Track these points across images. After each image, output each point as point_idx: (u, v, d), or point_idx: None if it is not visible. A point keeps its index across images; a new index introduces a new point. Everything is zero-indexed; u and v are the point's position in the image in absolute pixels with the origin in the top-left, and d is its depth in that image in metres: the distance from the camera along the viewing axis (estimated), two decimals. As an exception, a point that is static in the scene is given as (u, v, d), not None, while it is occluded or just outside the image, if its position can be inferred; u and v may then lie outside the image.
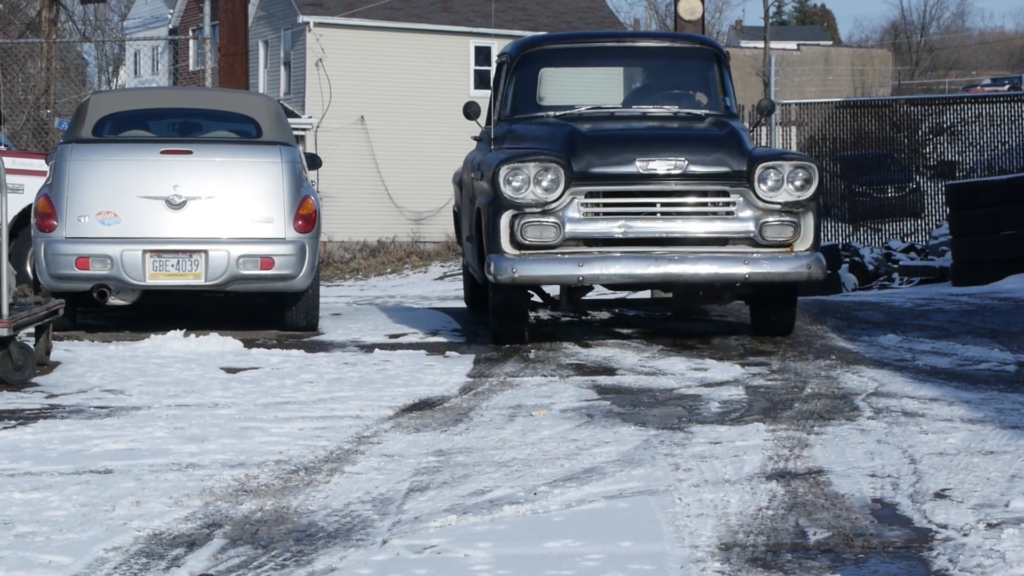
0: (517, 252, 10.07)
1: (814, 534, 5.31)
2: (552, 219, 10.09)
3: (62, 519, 5.53)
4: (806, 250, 10.22)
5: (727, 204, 10.10)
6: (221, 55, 16.87)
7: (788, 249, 10.15)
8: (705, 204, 10.15)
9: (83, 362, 10.37)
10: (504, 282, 9.95)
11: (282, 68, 48.92)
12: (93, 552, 5.05)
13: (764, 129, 22.92)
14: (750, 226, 10.10)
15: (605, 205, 10.26)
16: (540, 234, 10.11)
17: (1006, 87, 51.04)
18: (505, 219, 10.17)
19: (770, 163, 9.99)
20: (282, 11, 48.07)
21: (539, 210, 10.10)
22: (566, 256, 10.09)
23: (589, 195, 10.19)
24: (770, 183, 10.03)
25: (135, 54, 55.47)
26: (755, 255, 10.10)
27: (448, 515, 5.66)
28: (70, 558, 4.96)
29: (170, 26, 55.68)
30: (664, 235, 10.17)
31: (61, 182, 11.93)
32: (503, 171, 10.13)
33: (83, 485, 6.15)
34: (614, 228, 10.18)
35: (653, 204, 10.22)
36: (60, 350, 10.91)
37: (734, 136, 10.38)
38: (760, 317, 10.97)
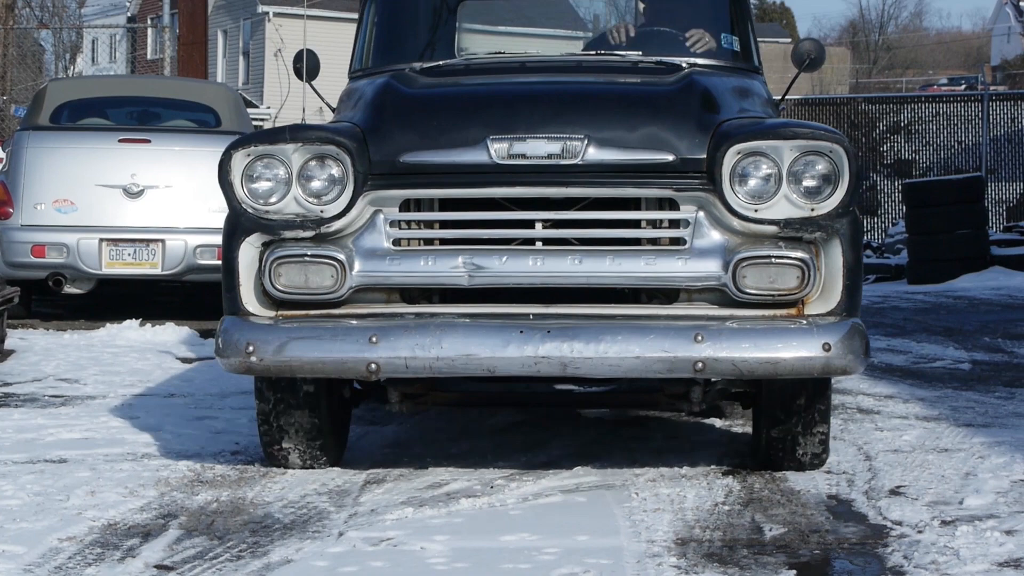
0: (270, 313, 5.92)
1: (770, 530, 5.31)
2: (331, 251, 5.84)
3: (16, 508, 5.48)
4: (828, 313, 5.76)
5: (672, 225, 5.86)
6: (180, 44, 16.79)
7: (792, 310, 5.82)
8: (628, 225, 5.90)
9: (38, 351, 10.28)
10: (236, 370, 5.82)
11: (241, 58, 48.61)
12: (47, 542, 4.99)
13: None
14: (714, 266, 5.79)
15: (434, 225, 5.97)
16: (306, 279, 5.84)
17: (962, 87, 51.27)
18: (245, 251, 5.91)
19: (753, 143, 5.72)
20: (242, 0, 47.79)
21: (308, 234, 5.88)
22: (354, 324, 5.81)
23: (405, 206, 5.91)
24: (754, 183, 5.78)
25: (93, 42, 55.01)
26: (721, 323, 5.74)
27: (405, 508, 5.64)
28: (24, 548, 4.91)
29: (128, 14, 55.20)
30: (549, 283, 5.84)
31: (17, 169, 11.86)
32: (237, 161, 5.90)
33: (37, 474, 6.11)
34: (451, 270, 5.82)
35: (529, 224, 5.87)
36: (15, 338, 10.82)
37: (692, 93, 6.11)
38: (768, 438, 6.35)
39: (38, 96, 12.68)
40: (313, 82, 7.60)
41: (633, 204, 5.94)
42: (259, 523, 5.40)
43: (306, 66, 7.60)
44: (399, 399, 6.38)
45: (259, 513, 5.56)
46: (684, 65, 6.71)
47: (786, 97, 8.06)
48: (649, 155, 5.86)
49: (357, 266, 5.90)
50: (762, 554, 4.99)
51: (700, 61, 6.86)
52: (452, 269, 5.86)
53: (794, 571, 4.78)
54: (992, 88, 35.65)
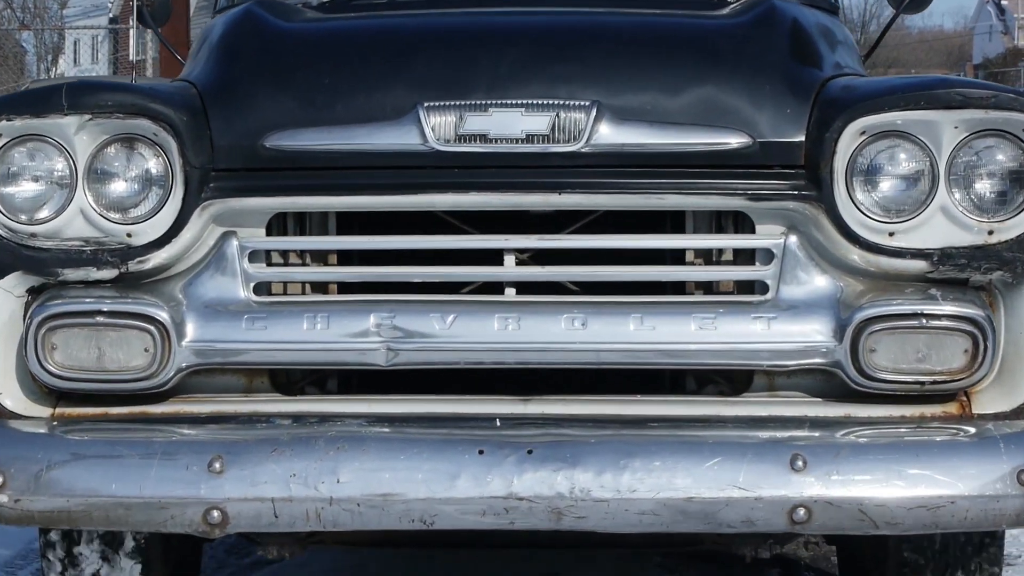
0: (42, 411, 3.51)
1: None
2: (146, 306, 3.40)
3: None
4: (1014, 412, 3.42)
5: (743, 259, 3.56)
6: (162, 45, 15.23)
7: (951, 407, 3.45)
8: (664, 258, 3.66)
9: None
10: None
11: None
12: None
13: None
14: (819, 330, 3.39)
15: (328, 260, 3.64)
16: (102, 354, 3.41)
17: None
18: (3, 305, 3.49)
19: (889, 116, 3.34)
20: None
21: (106, 275, 3.45)
22: (185, 434, 3.37)
23: (276, 226, 3.54)
24: (889, 185, 3.38)
25: (75, 43, 53.50)
26: (833, 431, 3.34)
27: None
28: None
29: (110, 15, 54.06)
30: (530, 360, 3.41)
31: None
32: None
33: None
34: (357, 339, 3.39)
35: (493, 257, 3.50)
36: None
37: (775, 32, 3.68)
38: None
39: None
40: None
41: (674, 222, 3.63)
42: None
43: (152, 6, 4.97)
44: (276, 544, 3.71)
45: None
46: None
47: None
48: (704, 137, 3.43)
49: (192, 331, 3.44)
50: None
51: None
52: (359, 337, 3.41)
53: None
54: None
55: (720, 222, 3.58)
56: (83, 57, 54.80)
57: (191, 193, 3.39)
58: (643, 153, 3.39)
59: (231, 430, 3.36)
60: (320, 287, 3.59)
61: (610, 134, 3.37)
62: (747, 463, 3.21)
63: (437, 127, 3.36)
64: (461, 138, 3.36)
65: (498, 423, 3.33)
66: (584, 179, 3.38)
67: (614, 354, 3.38)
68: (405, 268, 3.48)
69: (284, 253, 3.58)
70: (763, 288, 3.43)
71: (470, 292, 3.51)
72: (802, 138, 3.38)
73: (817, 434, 3.31)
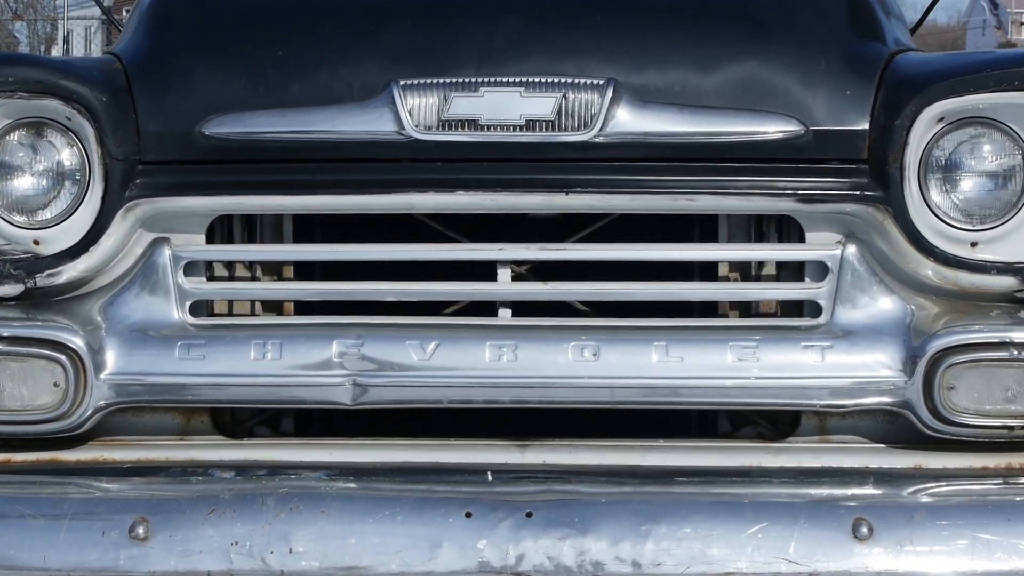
0: None
1: None
2: (55, 330, 2.76)
3: None
4: None
5: (790, 274, 2.93)
6: None
7: None
8: (691, 272, 3.12)
9: None
10: None
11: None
12: None
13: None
14: (885, 363, 2.75)
15: (281, 273, 3.07)
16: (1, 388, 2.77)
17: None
18: None
19: (973, 98, 2.72)
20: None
21: (10, 290, 2.82)
22: (104, 489, 2.74)
23: (220, 230, 2.95)
24: (971, 184, 2.76)
25: (68, 33, 53.50)
26: (900, 487, 2.71)
27: None
28: None
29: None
30: (528, 398, 2.78)
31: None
32: None
33: None
34: (316, 372, 2.76)
35: (485, 271, 2.88)
36: None
37: (824, 2, 2.94)
38: None
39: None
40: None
41: (704, 229, 3.07)
42: None
43: None
44: None
45: None
46: None
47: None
48: (745, 124, 2.78)
49: (113, 361, 2.81)
50: None
51: None
52: (319, 369, 2.78)
53: None
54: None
55: (761, 228, 2.95)
56: (76, 48, 54.99)
57: (112, 191, 2.76)
58: (670, 144, 2.76)
59: (160, 484, 2.74)
60: (273, 306, 2.99)
61: (629, 120, 2.74)
62: (799, 529, 2.59)
63: (416, 111, 2.74)
64: (445, 124, 2.75)
65: (490, 477, 2.71)
66: (597, 175, 2.75)
67: (633, 392, 2.75)
68: (376, 284, 2.85)
69: (229, 265, 2.99)
70: (815, 310, 2.81)
71: (456, 313, 2.91)
72: (865, 126, 2.75)
73: (882, 491, 2.71)
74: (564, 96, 2.73)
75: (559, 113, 2.73)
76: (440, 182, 2.75)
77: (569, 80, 2.74)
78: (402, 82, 2.75)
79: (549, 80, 2.74)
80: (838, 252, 2.79)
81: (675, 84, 2.76)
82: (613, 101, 2.73)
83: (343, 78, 2.78)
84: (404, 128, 2.74)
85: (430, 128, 2.74)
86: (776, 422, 2.93)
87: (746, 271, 2.97)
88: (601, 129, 2.73)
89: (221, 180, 2.78)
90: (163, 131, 2.78)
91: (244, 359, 2.76)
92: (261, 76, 2.80)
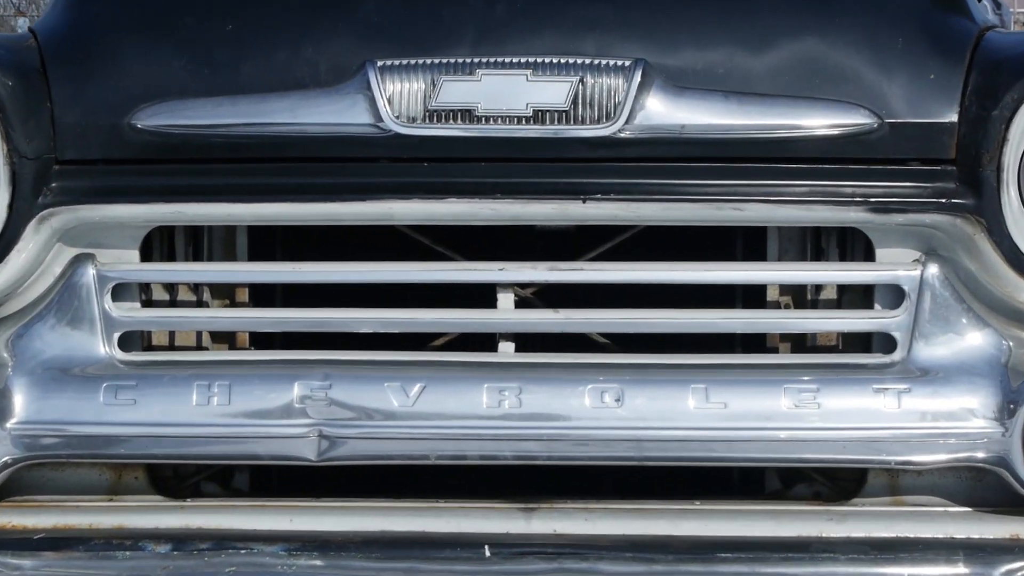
0: None
1: None
2: None
3: None
4: None
5: (856, 299, 2.43)
6: None
7: None
8: (733, 297, 2.60)
9: None
10: None
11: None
12: None
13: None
14: (976, 410, 2.27)
15: (234, 298, 2.52)
16: None
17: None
18: None
19: None
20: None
21: None
22: (9, 571, 2.27)
23: (161, 246, 2.47)
24: None
25: None
26: (994, 563, 2.24)
27: None
28: None
29: None
30: (535, 455, 2.29)
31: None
32: None
33: None
34: (276, 421, 2.27)
35: (484, 294, 2.41)
36: None
37: None
38: None
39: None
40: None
41: (748, 244, 2.60)
42: None
43: None
44: None
45: None
46: None
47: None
48: (804, 115, 2.26)
49: (22, 406, 2.30)
50: None
51: None
52: (278, 418, 2.27)
53: None
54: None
55: (818, 244, 2.43)
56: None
57: (22, 197, 2.25)
58: (712, 140, 2.26)
59: (80, 562, 2.22)
60: (224, 338, 2.43)
61: (662, 110, 2.23)
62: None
63: (397, 99, 2.23)
64: (433, 116, 2.24)
65: (487, 552, 2.18)
66: (622, 179, 2.24)
67: (665, 446, 2.24)
68: (349, 311, 2.33)
69: (169, 288, 2.43)
70: (887, 344, 2.30)
71: (446, 348, 2.40)
72: (953, 118, 2.24)
73: (974, 570, 2.17)
74: (581, 80, 2.22)
75: (575, 102, 2.22)
76: (427, 187, 2.24)
77: (588, 61, 2.23)
78: (380, 63, 2.23)
79: (563, 60, 2.23)
80: (916, 273, 2.28)
81: (718, 66, 2.25)
82: (642, 87, 2.21)
83: (307, 58, 2.27)
84: (382, 120, 2.23)
85: (414, 120, 2.23)
86: (837, 478, 2.42)
87: (800, 296, 2.45)
88: (627, 121, 2.22)
89: (157, 184, 2.26)
90: (85, 123, 2.26)
91: (185, 404, 2.25)
92: (206, 56, 2.28)
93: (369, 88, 2.23)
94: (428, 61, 2.23)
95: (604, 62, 2.22)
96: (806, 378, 2.25)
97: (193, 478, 2.47)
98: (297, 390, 2.24)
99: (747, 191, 2.22)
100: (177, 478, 2.46)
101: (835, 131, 2.23)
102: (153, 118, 2.25)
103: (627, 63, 2.23)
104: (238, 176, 2.25)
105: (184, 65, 2.27)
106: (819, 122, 2.23)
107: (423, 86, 2.23)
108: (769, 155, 2.23)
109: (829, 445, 2.23)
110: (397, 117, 2.22)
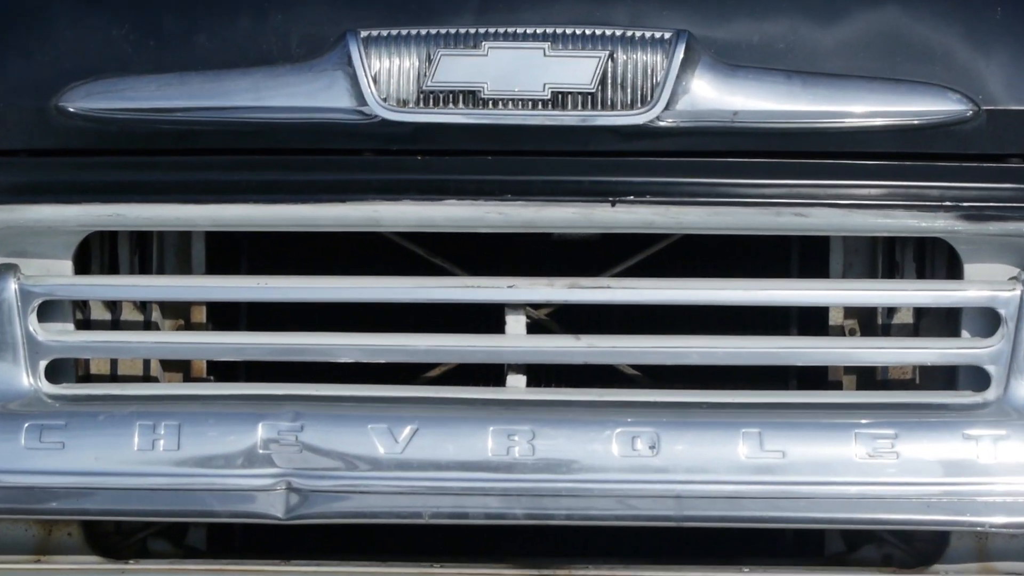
0: None
1: None
2: None
3: None
4: None
5: (937, 325, 2.10)
6: None
7: None
8: (788, 323, 2.29)
9: None
10: None
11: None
12: None
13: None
14: None
15: (188, 319, 2.24)
16: None
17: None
18: None
19: None
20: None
21: None
22: None
23: (98, 255, 2.16)
24: None
25: None
26: None
27: None
28: None
29: None
30: (551, 514, 1.94)
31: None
32: None
33: None
34: (238, 472, 1.92)
35: (489, 319, 2.14)
36: None
37: None
38: None
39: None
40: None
41: (805, 257, 2.24)
42: None
43: None
44: None
45: None
46: None
47: None
48: (882, 101, 1.90)
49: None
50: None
51: None
52: (238, 467, 1.90)
53: None
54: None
55: (892, 257, 2.06)
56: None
57: None
58: (770, 129, 1.91)
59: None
60: (177, 367, 2.05)
61: (709, 94, 1.87)
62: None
63: (385, 77, 1.88)
64: (429, 98, 1.91)
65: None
66: (659, 177, 1.87)
67: (710, 503, 1.86)
68: (326, 335, 1.95)
69: (112, 305, 2.04)
70: (979, 380, 1.93)
71: (443, 380, 2.03)
72: None
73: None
74: (611, 56, 1.86)
75: (603, 82, 1.86)
76: (421, 185, 1.90)
77: (619, 32, 1.87)
78: (364, 33, 1.87)
79: (588, 32, 1.86)
80: (1016, 294, 1.90)
81: (779, 39, 1.89)
82: (685, 64, 1.85)
83: (275, 28, 1.89)
84: (366, 103, 1.88)
85: (406, 104, 1.88)
86: (913, 540, 2.04)
87: (868, 320, 2.07)
88: (667, 107, 1.87)
89: (92, 179, 1.91)
90: (3, 105, 1.90)
91: (124, 449, 1.88)
92: (151, 24, 1.91)
93: (350, 64, 1.87)
94: (423, 31, 1.87)
95: (639, 34, 1.86)
96: (881, 421, 1.87)
97: (139, 534, 2.09)
98: (262, 432, 1.87)
99: (813, 193, 1.86)
100: (120, 534, 2.09)
101: (920, 120, 1.86)
102: (86, 100, 1.88)
103: (667, 35, 1.86)
104: (190, 171, 1.89)
105: (124, 35, 1.90)
106: (901, 109, 1.86)
107: (416, 62, 1.87)
108: (840, 149, 1.88)
109: (910, 504, 1.86)
110: (384, 100, 1.86)
